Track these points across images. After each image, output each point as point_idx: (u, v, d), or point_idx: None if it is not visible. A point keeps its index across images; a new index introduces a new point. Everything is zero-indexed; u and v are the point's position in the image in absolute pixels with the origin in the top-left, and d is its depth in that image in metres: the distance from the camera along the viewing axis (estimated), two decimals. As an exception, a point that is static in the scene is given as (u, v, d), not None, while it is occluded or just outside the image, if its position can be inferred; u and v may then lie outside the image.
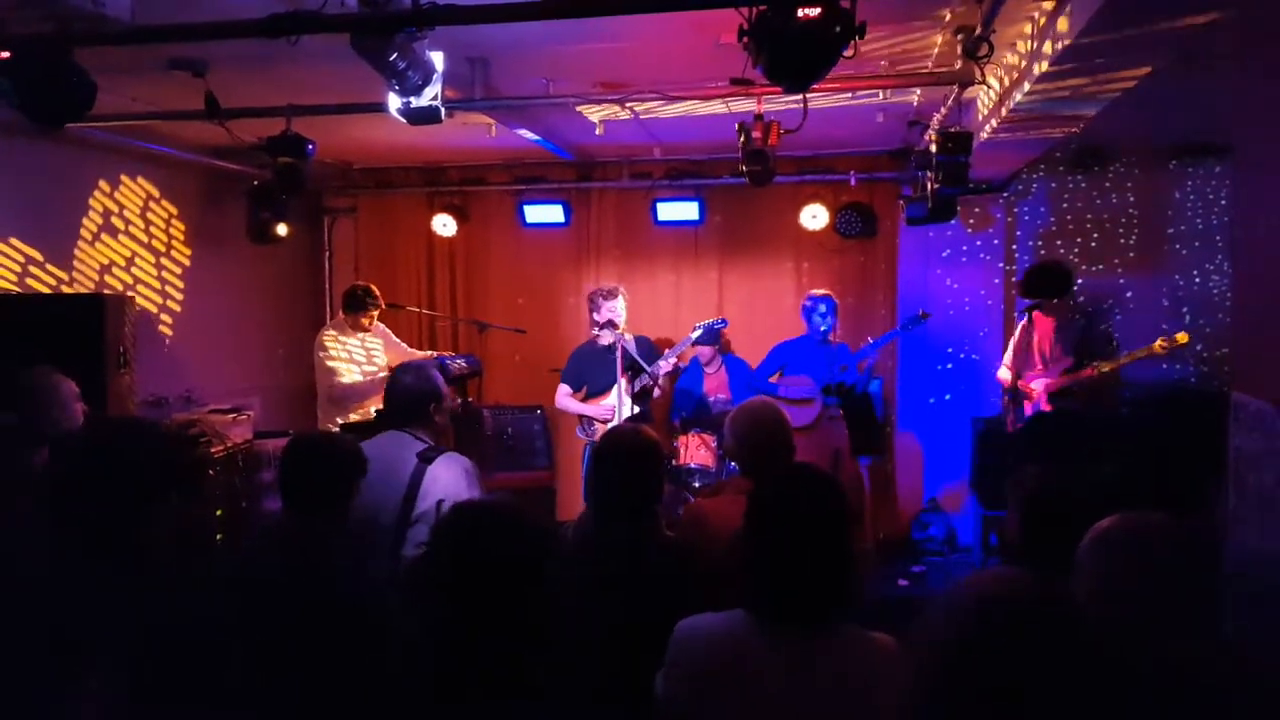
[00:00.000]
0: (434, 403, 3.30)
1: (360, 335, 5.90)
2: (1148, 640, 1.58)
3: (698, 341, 5.94)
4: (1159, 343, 5.13)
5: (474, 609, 1.79)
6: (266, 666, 2.25)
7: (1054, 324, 5.41)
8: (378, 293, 5.94)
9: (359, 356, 5.86)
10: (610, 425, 5.74)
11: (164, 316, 6.13)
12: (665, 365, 5.69)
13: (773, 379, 5.99)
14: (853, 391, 5.81)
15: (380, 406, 5.68)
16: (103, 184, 5.60)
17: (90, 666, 1.93)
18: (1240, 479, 2.18)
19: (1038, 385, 5.37)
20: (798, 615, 1.88)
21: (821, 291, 6.02)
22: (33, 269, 5.03)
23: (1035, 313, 5.45)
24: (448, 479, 3.08)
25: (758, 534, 1.95)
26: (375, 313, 5.92)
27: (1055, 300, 5.34)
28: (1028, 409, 5.41)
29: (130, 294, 5.61)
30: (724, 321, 5.96)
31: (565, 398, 6.03)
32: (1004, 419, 5.58)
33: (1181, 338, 5.11)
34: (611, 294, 5.76)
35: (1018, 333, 5.50)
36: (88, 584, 1.99)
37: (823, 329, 5.93)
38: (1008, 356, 5.61)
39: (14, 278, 4.89)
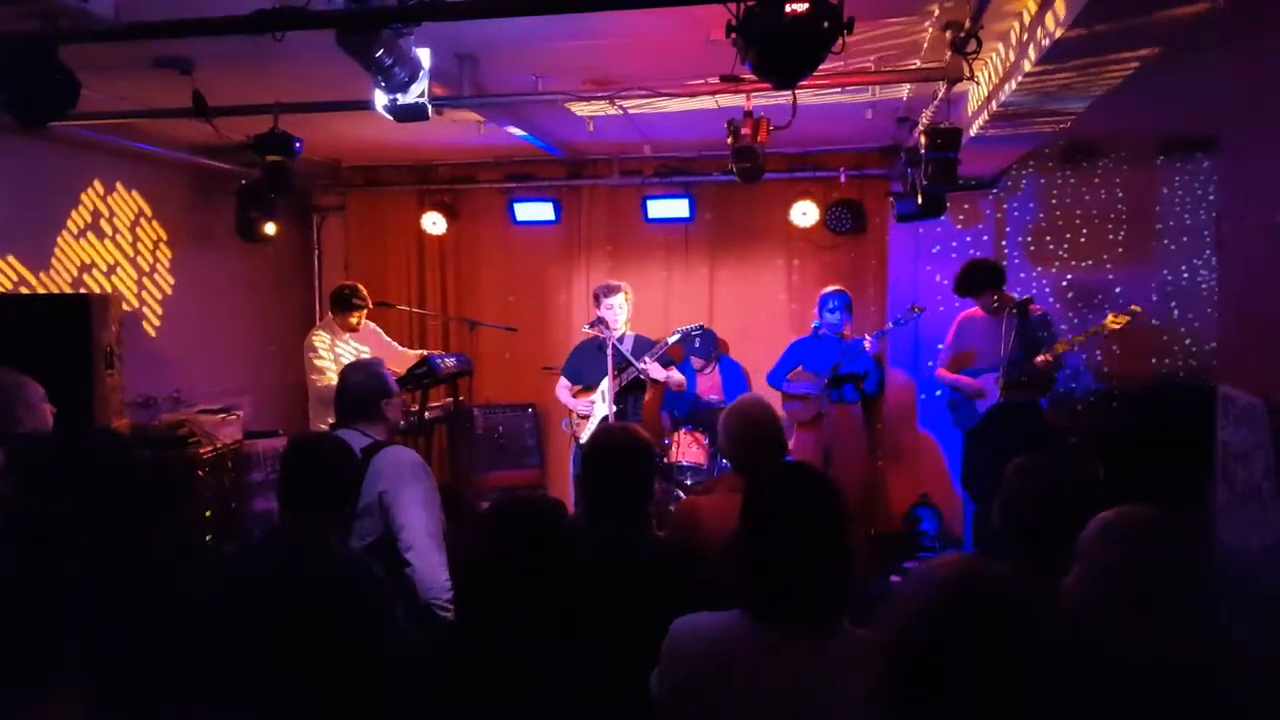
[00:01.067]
0: (383, 399, 3.38)
1: (348, 336, 5.88)
2: (1146, 632, 1.58)
3: (686, 348, 5.98)
4: (1110, 319, 5.31)
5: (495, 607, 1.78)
6: (265, 669, 2.23)
7: (988, 320, 5.53)
8: (365, 292, 5.90)
9: (346, 359, 5.83)
10: (590, 422, 5.80)
11: (151, 316, 6.10)
12: (647, 367, 5.69)
13: (790, 376, 6.07)
14: (858, 383, 5.87)
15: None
16: (88, 183, 5.56)
17: (77, 674, 1.91)
18: (1229, 473, 2.18)
19: (986, 380, 5.49)
20: (795, 615, 1.87)
21: (832, 288, 6.12)
22: (17, 271, 4.99)
23: (969, 310, 5.69)
24: (390, 471, 3.12)
25: (754, 533, 1.95)
26: (363, 312, 5.89)
27: (994, 295, 5.49)
28: (980, 406, 5.57)
29: (117, 294, 5.57)
30: (700, 328, 5.95)
31: (562, 390, 6.11)
32: (964, 415, 5.68)
33: (1133, 309, 5.35)
34: (609, 291, 5.78)
35: (955, 333, 5.74)
36: (72, 590, 1.97)
37: (815, 324, 6.06)
38: (946, 358, 5.78)
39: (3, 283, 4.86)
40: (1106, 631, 1.61)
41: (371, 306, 5.99)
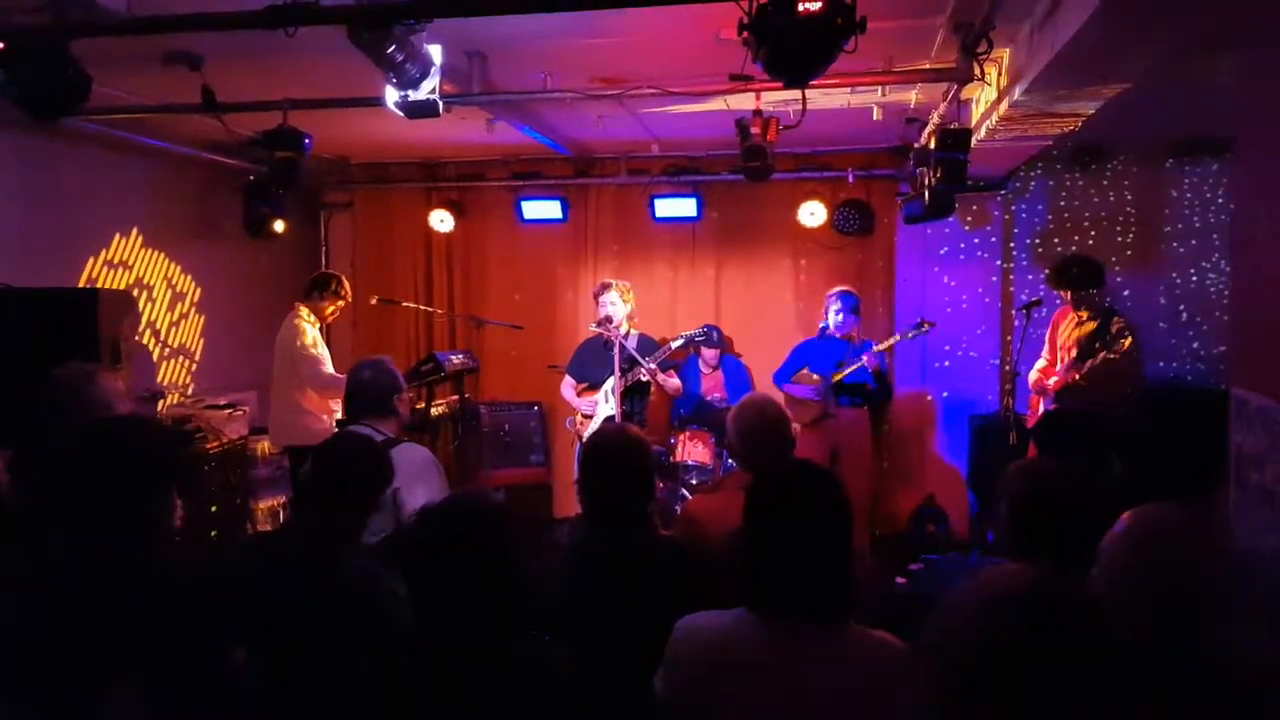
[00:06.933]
0: (395, 395, 3.45)
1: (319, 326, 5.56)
2: (1167, 633, 1.57)
3: (701, 344, 5.97)
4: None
5: (458, 604, 1.78)
6: (275, 666, 2.23)
7: (1076, 320, 5.28)
8: (348, 286, 5.72)
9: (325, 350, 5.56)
10: (593, 421, 5.78)
11: (160, 312, 6.10)
12: (649, 370, 5.62)
13: (795, 377, 6.04)
14: (861, 391, 5.83)
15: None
16: (98, 178, 5.57)
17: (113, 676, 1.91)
18: (1241, 476, 2.17)
19: (1052, 383, 5.30)
20: (801, 613, 1.86)
21: (839, 289, 6.05)
22: (27, 265, 5.00)
23: (1059, 308, 5.44)
24: (403, 468, 3.06)
25: (760, 531, 1.93)
26: (340, 304, 5.66)
27: (1089, 293, 5.20)
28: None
29: (126, 289, 5.58)
30: (703, 333, 5.91)
31: (567, 388, 6.09)
32: (1008, 418, 5.54)
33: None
34: (603, 289, 5.77)
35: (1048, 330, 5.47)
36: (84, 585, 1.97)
37: (822, 325, 6.03)
38: (1043, 359, 5.48)
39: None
40: (1129, 631, 1.60)
41: (350, 301, 5.75)
